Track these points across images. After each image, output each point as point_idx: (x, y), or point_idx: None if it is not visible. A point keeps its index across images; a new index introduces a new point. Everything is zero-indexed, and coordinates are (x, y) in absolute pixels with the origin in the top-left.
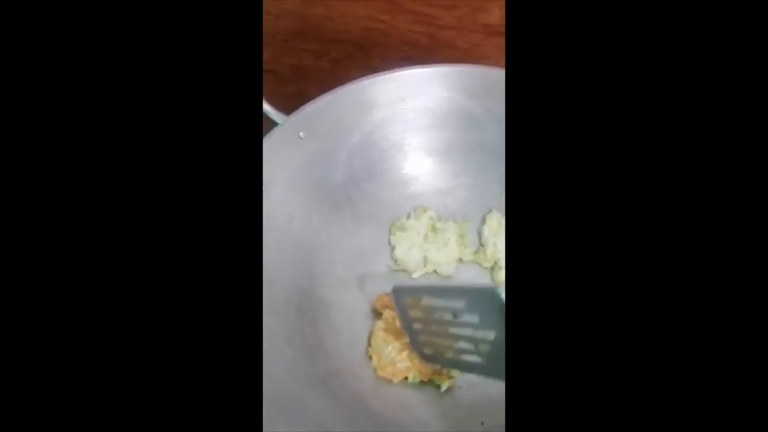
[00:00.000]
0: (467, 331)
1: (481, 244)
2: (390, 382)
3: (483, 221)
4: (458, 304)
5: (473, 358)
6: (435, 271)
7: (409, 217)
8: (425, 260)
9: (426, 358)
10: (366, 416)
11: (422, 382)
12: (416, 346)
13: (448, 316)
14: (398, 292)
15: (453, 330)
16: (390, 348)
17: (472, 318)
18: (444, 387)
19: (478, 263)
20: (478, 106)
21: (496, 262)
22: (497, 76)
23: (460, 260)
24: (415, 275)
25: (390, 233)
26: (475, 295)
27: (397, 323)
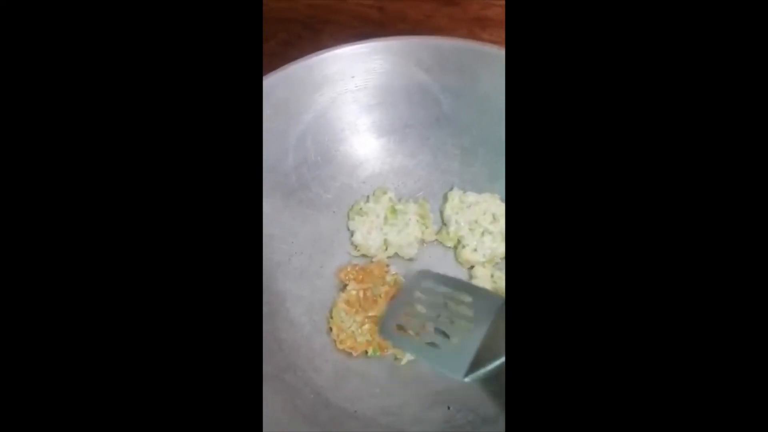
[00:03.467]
0: (450, 325)
1: (444, 223)
2: (349, 355)
3: (444, 199)
4: (466, 298)
5: (438, 351)
6: (396, 254)
7: (367, 200)
8: (386, 243)
9: (389, 335)
10: (326, 411)
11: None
12: (389, 317)
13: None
14: (419, 274)
15: (442, 316)
16: (352, 321)
17: (468, 312)
18: (404, 360)
19: (440, 242)
20: (432, 80)
21: (459, 241)
22: (450, 47)
23: (422, 241)
24: (376, 259)
25: (348, 218)
26: (483, 297)
27: (361, 294)
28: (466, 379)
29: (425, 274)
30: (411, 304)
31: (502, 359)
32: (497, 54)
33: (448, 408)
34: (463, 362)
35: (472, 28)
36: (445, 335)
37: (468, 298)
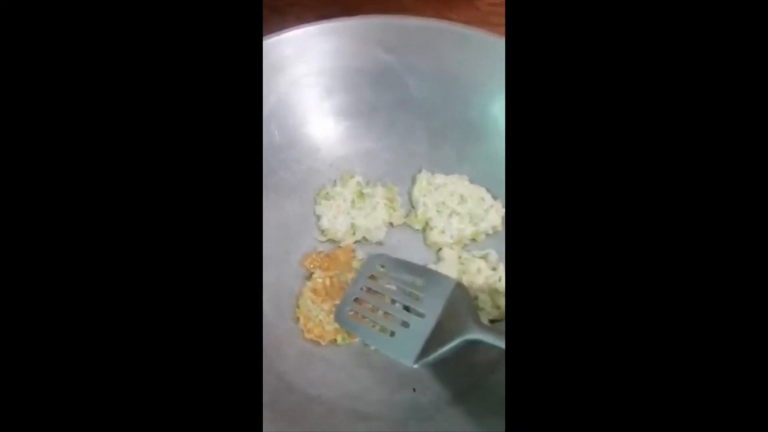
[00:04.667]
0: (403, 312)
1: (412, 206)
2: (317, 344)
3: (413, 182)
4: (418, 281)
5: (390, 338)
6: (364, 238)
7: (334, 184)
8: (353, 227)
9: (343, 321)
10: (288, 396)
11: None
12: (344, 303)
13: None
14: (374, 257)
15: (393, 302)
16: (319, 310)
17: (421, 297)
18: (391, 330)
19: (409, 225)
20: (397, 62)
21: (427, 223)
22: (416, 27)
23: (390, 224)
24: (344, 244)
25: (315, 203)
26: (436, 281)
27: (327, 282)
28: (415, 366)
29: (378, 258)
30: (364, 289)
31: (451, 344)
32: (464, 33)
33: (414, 390)
34: (414, 349)
35: (439, 8)
36: (398, 322)
37: (420, 282)
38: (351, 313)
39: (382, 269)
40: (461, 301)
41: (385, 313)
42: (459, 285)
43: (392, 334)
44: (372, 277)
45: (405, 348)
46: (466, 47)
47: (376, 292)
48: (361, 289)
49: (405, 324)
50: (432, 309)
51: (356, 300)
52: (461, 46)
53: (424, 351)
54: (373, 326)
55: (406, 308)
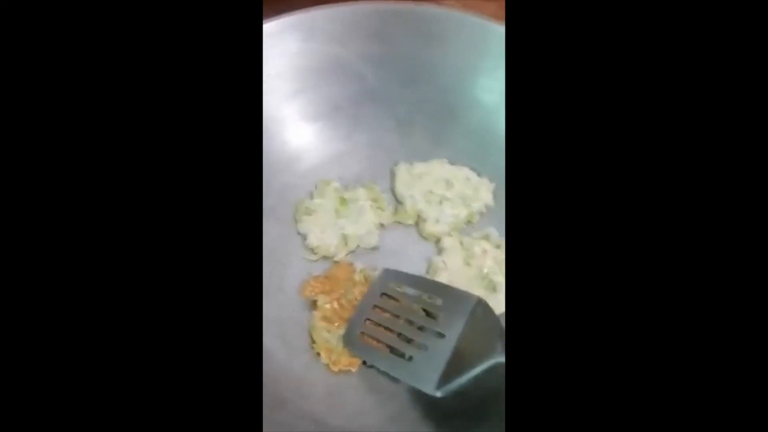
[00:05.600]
0: (419, 332)
1: (399, 201)
2: (348, 372)
3: (393, 176)
4: (435, 299)
5: (406, 363)
6: (359, 246)
7: (312, 196)
8: (344, 238)
9: (352, 345)
10: None
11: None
12: (354, 325)
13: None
14: (386, 273)
15: (409, 323)
16: (337, 335)
17: (439, 316)
18: (407, 354)
19: (400, 223)
20: (349, 53)
21: (419, 216)
22: (361, 13)
23: (381, 225)
24: (338, 258)
25: (296, 221)
26: (454, 298)
27: (335, 305)
28: (438, 394)
29: (390, 274)
30: (375, 309)
31: (478, 368)
32: (412, 11)
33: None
34: (434, 373)
35: None
36: (414, 344)
37: (438, 301)
38: (361, 334)
39: (394, 286)
40: (485, 318)
41: (400, 335)
42: (481, 301)
43: (410, 358)
44: (384, 295)
45: (424, 373)
46: (416, 26)
47: (388, 312)
48: (373, 308)
49: (423, 347)
50: (452, 328)
51: (368, 320)
52: (411, 26)
53: (446, 376)
54: (388, 350)
55: (422, 329)
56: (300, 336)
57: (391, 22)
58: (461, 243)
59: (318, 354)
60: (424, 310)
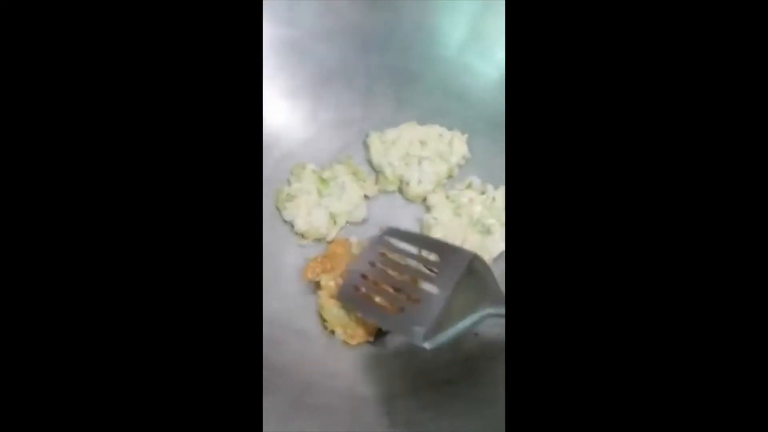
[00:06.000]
0: (414, 288)
1: (378, 171)
2: (368, 342)
3: (366, 148)
4: (432, 256)
5: (397, 316)
6: (348, 222)
7: (290, 183)
8: (332, 217)
9: (347, 298)
10: (366, 409)
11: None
12: (348, 282)
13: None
14: (385, 232)
15: (400, 281)
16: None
17: (435, 272)
18: (400, 307)
19: (384, 191)
20: (300, 31)
21: (401, 180)
22: None
23: (366, 197)
24: (330, 237)
25: (279, 210)
26: (450, 254)
27: (340, 281)
28: (427, 346)
29: (388, 232)
30: (371, 264)
31: (468, 319)
32: None
33: (476, 334)
34: (423, 327)
35: None
36: (408, 297)
37: (434, 257)
38: (355, 288)
39: (391, 243)
40: (480, 273)
41: (397, 290)
42: (477, 257)
43: (401, 311)
44: (381, 253)
45: (414, 325)
46: None
47: (384, 267)
48: (370, 263)
49: (415, 301)
50: (446, 282)
51: (362, 275)
52: None
53: (436, 328)
54: (380, 304)
55: (415, 284)
56: (311, 320)
57: None
58: (447, 197)
59: (333, 332)
60: (420, 266)
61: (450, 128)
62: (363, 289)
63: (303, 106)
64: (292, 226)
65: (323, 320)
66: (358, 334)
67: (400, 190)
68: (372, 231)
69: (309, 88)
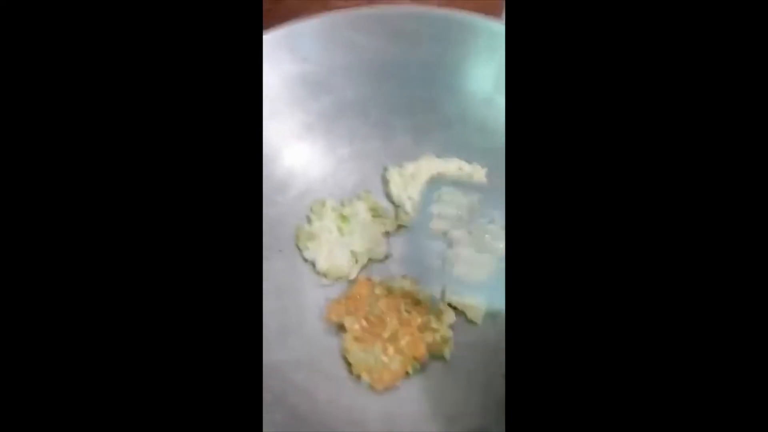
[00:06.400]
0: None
1: (397, 205)
2: (394, 388)
3: (385, 182)
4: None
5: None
6: (370, 260)
7: (309, 221)
8: (354, 255)
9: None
10: None
11: (421, 368)
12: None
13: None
14: (432, 182)
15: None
16: (373, 353)
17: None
18: (447, 353)
19: (404, 226)
20: (316, 65)
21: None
22: (321, 25)
23: (387, 234)
24: (352, 276)
25: (300, 249)
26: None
27: (364, 323)
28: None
29: (433, 185)
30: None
31: None
32: (368, 14)
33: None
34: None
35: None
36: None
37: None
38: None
39: (444, 196)
40: None
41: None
42: None
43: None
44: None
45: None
46: (380, 28)
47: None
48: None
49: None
50: None
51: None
52: (375, 29)
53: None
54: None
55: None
56: (336, 364)
57: (350, 28)
58: (469, 232)
59: (358, 377)
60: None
61: (470, 161)
62: None
63: (319, 141)
64: (313, 265)
65: (348, 364)
66: (385, 380)
67: (423, 224)
68: (394, 268)
69: (325, 123)
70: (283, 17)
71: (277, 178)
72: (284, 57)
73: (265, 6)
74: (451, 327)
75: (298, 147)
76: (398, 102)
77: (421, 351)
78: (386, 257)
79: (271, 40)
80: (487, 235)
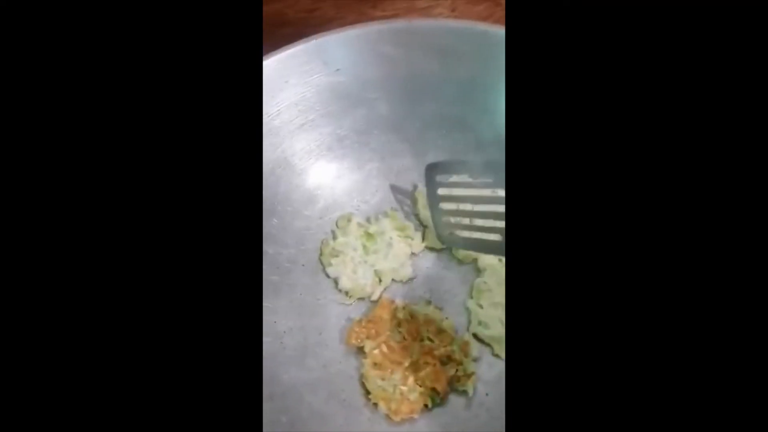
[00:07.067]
0: (492, 207)
1: (424, 226)
2: (412, 420)
3: (414, 201)
4: (488, 179)
5: (494, 237)
6: (393, 280)
7: (334, 236)
8: (377, 275)
9: (447, 240)
10: None
11: (441, 401)
12: (439, 226)
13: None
14: (430, 169)
15: (479, 207)
16: (392, 382)
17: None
18: (470, 389)
19: (431, 248)
20: (348, 77)
21: None
22: (357, 37)
23: (413, 255)
24: (374, 297)
25: (324, 265)
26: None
27: (385, 349)
28: None
29: (431, 168)
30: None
31: None
32: (406, 28)
33: None
34: None
35: (362, 9)
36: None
37: (489, 179)
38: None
39: (443, 180)
40: None
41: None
42: None
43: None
44: (440, 190)
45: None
46: (416, 43)
47: (452, 205)
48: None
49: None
50: None
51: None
52: (411, 44)
53: None
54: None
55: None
56: (354, 389)
57: (387, 42)
58: (500, 260)
59: (375, 405)
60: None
61: (503, 186)
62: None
63: (348, 152)
64: (336, 282)
65: (366, 391)
66: (403, 411)
67: (450, 249)
68: (419, 289)
69: (357, 136)
70: (317, 27)
71: (305, 191)
72: (317, 68)
73: (299, 15)
74: (475, 360)
75: (327, 159)
76: (432, 120)
77: (443, 384)
78: (411, 279)
79: (304, 50)
80: None
